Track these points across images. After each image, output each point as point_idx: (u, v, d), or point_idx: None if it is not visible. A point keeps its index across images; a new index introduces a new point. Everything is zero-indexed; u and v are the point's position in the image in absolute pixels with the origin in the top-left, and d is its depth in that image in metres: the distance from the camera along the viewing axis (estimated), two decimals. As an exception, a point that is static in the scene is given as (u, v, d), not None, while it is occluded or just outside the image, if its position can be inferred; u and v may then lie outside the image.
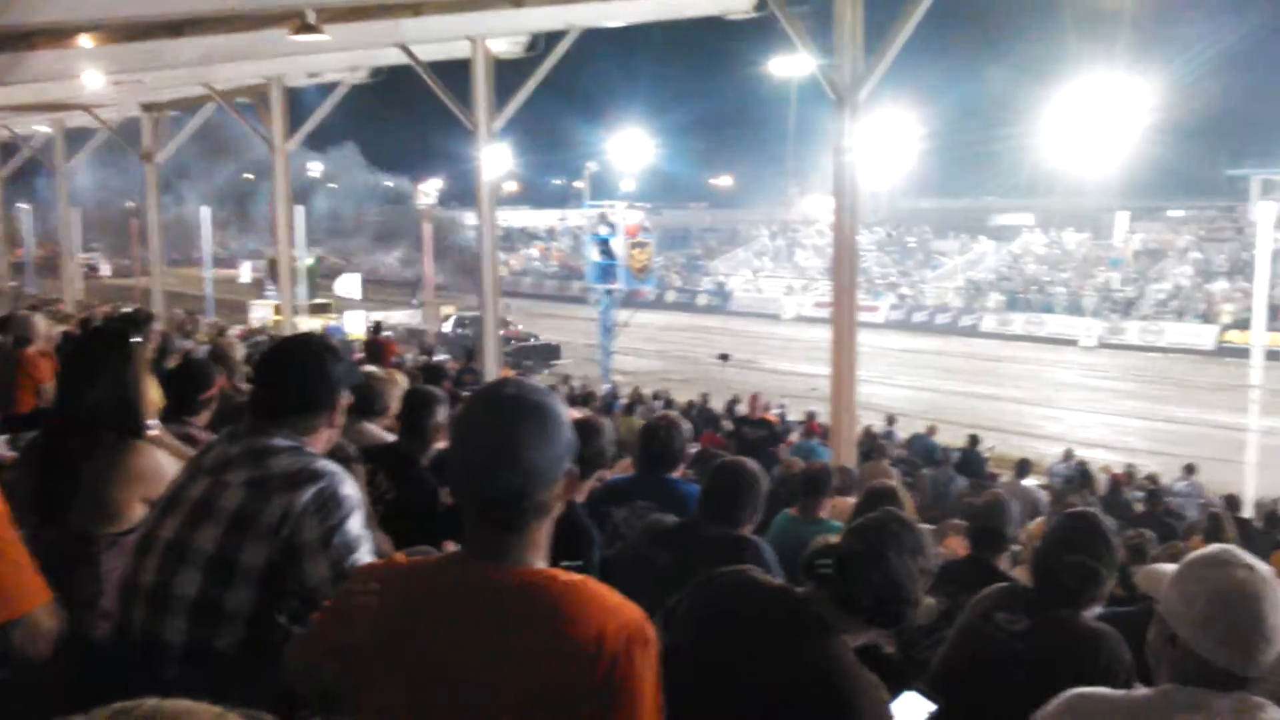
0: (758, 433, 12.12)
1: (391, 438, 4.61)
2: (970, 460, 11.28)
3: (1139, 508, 11.62)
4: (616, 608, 1.78)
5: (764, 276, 55.09)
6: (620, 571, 3.51)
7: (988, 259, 51.08)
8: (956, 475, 10.45)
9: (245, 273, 50.53)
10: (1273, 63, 47.71)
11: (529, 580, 1.79)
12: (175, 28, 12.63)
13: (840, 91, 10.07)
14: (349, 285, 40.49)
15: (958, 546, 5.76)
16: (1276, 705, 2.21)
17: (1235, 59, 43.98)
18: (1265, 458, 15.70)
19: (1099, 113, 45.14)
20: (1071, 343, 39.28)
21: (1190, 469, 14.44)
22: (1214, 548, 2.35)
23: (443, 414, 4.36)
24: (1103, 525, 3.30)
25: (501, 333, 32.50)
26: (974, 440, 13.82)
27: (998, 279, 47.86)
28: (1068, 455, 15.23)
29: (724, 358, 26.97)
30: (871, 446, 11.08)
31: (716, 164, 76.27)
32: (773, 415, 14.86)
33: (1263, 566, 2.25)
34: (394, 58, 15.52)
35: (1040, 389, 28.90)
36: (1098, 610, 3.70)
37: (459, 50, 14.51)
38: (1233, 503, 12.59)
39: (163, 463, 3.14)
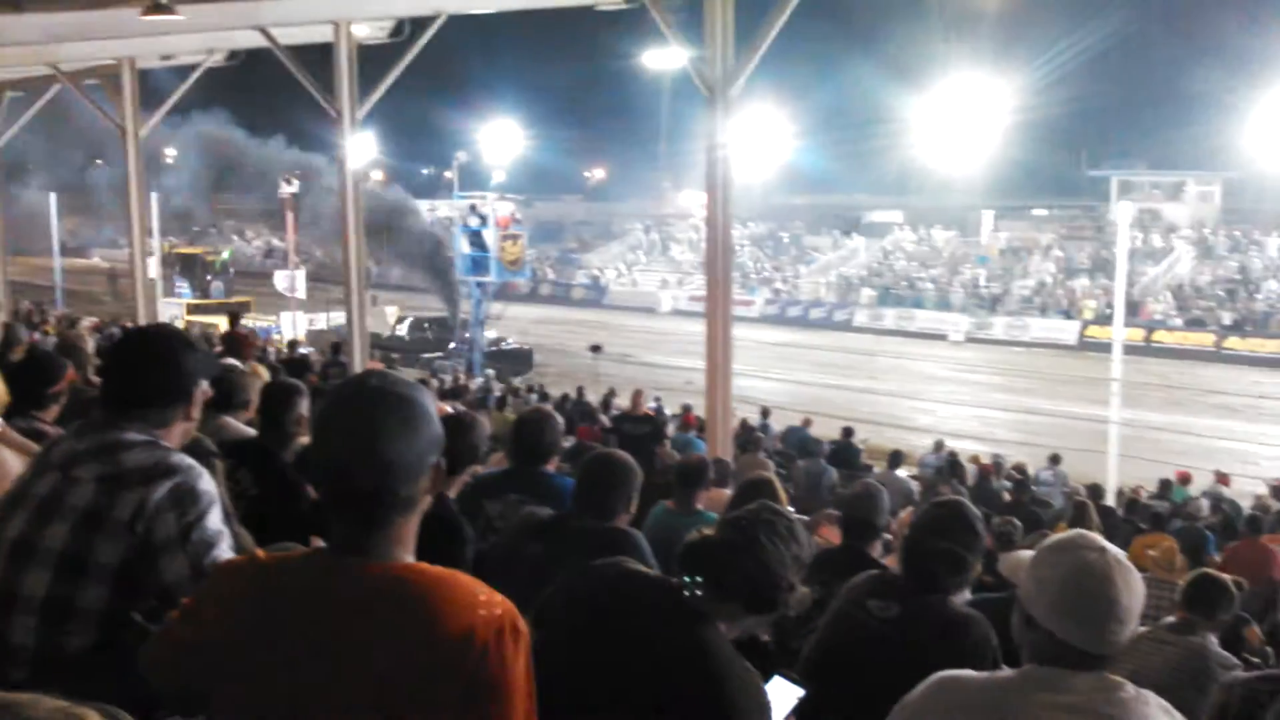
0: (640, 429, 12.16)
1: (253, 432, 4.50)
2: (843, 452, 11.54)
3: (1007, 497, 12.00)
4: (485, 600, 1.77)
5: (639, 270, 55.34)
6: (493, 565, 3.49)
7: (860, 255, 52.24)
8: (829, 467, 10.67)
9: (152, 267, 47.38)
10: (1132, 66, 49.90)
11: (394, 575, 1.77)
12: (15, 2, 12.06)
13: (712, 86, 10.14)
14: (290, 281, 35.55)
15: (831, 536, 5.87)
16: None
17: (1096, 62, 45.87)
18: (1125, 448, 16.42)
19: (966, 113, 46.64)
20: (941, 337, 40.44)
21: (1055, 459, 15.00)
22: (1067, 533, 2.47)
23: (304, 407, 4.27)
24: (968, 513, 3.39)
25: (466, 336, 30.48)
26: (848, 432, 14.13)
27: (869, 275, 48.98)
28: (938, 446, 15.66)
29: (596, 349, 27.07)
30: (747, 439, 11.24)
31: (590, 156, 76.28)
32: (648, 409, 14.94)
33: (1114, 549, 2.34)
34: (254, 40, 15.09)
35: (911, 382, 29.68)
36: (967, 596, 3.82)
37: (321, 34, 14.18)
38: (1095, 491, 13.13)
39: (7, 459, 3.02)
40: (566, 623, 2.52)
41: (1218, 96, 42.81)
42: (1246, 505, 12.89)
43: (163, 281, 32.72)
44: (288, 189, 36.47)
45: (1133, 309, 37.02)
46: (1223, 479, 15.67)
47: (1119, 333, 17.35)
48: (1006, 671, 2.42)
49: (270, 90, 30.85)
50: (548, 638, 2.05)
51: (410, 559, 1.82)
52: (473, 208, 28.29)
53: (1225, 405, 25.89)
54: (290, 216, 37.22)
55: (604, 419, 14.34)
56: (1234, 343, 37.08)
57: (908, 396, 27.38)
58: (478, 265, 27.99)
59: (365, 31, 14.49)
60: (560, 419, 4.77)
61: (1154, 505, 11.45)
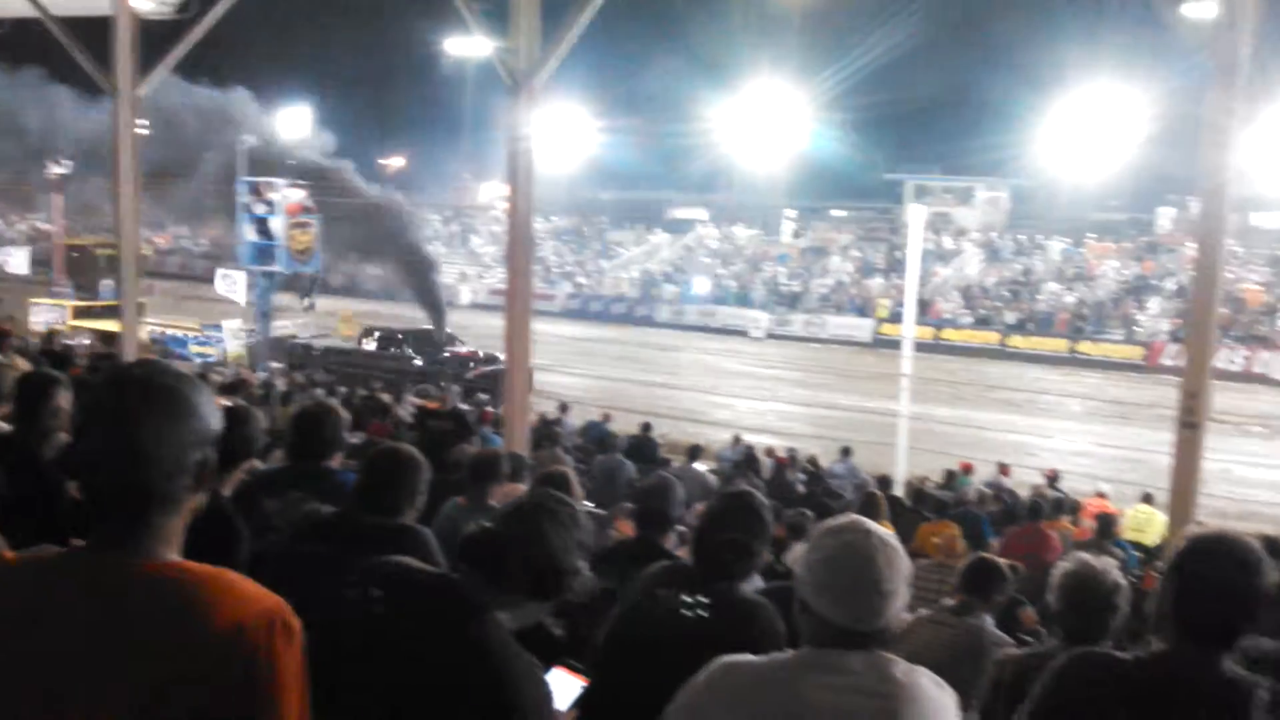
0: (444, 425, 12.00)
1: (7, 428, 4.24)
2: (642, 447, 11.70)
3: (801, 489, 12.44)
4: (255, 598, 1.74)
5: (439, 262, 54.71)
6: (271, 564, 3.39)
7: (663, 251, 53.02)
8: (627, 461, 10.80)
9: (20, 262, 41.31)
10: (927, 74, 52.09)
11: (157, 573, 1.72)
12: None
13: (516, 77, 10.10)
14: (232, 285, 29.97)
15: (628, 530, 5.96)
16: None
17: (893, 69, 47.67)
18: (914, 441, 17.17)
19: (770, 114, 47.90)
20: (741, 333, 41.43)
21: (847, 451, 15.61)
22: (838, 518, 2.55)
23: (64, 400, 4.05)
24: (755, 502, 3.49)
25: (448, 352, 27.52)
26: (646, 427, 14.34)
27: (673, 270, 49.76)
28: (736, 440, 16.07)
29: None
30: (545, 434, 11.26)
31: (388, 145, 74.65)
32: (456, 406, 14.78)
33: (879, 531, 2.46)
34: (21, 8, 14.18)
35: (711, 377, 30.32)
36: (757, 583, 3.94)
37: (99, 6, 13.44)
38: (885, 483, 13.72)
39: None
40: (339, 625, 2.49)
41: (1007, 105, 45.26)
42: (1025, 494, 13.75)
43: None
44: (57, 169, 34.15)
45: (924, 308, 38.80)
46: (1004, 469, 16.64)
47: (909, 330, 18.06)
48: (783, 655, 2.51)
49: (43, 63, 28.78)
50: (322, 640, 2.02)
51: (176, 557, 1.77)
52: (258, 193, 27.12)
53: (1008, 400, 27.46)
54: (58, 199, 34.87)
55: (402, 414, 14.09)
56: (1017, 341, 39.36)
57: (707, 391, 27.96)
58: (263, 254, 27.02)
59: (149, 5, 13.82)
60: (346, 414, 4.67)
61: (938, 495, 12.06)
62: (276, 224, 26.56)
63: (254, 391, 12.57)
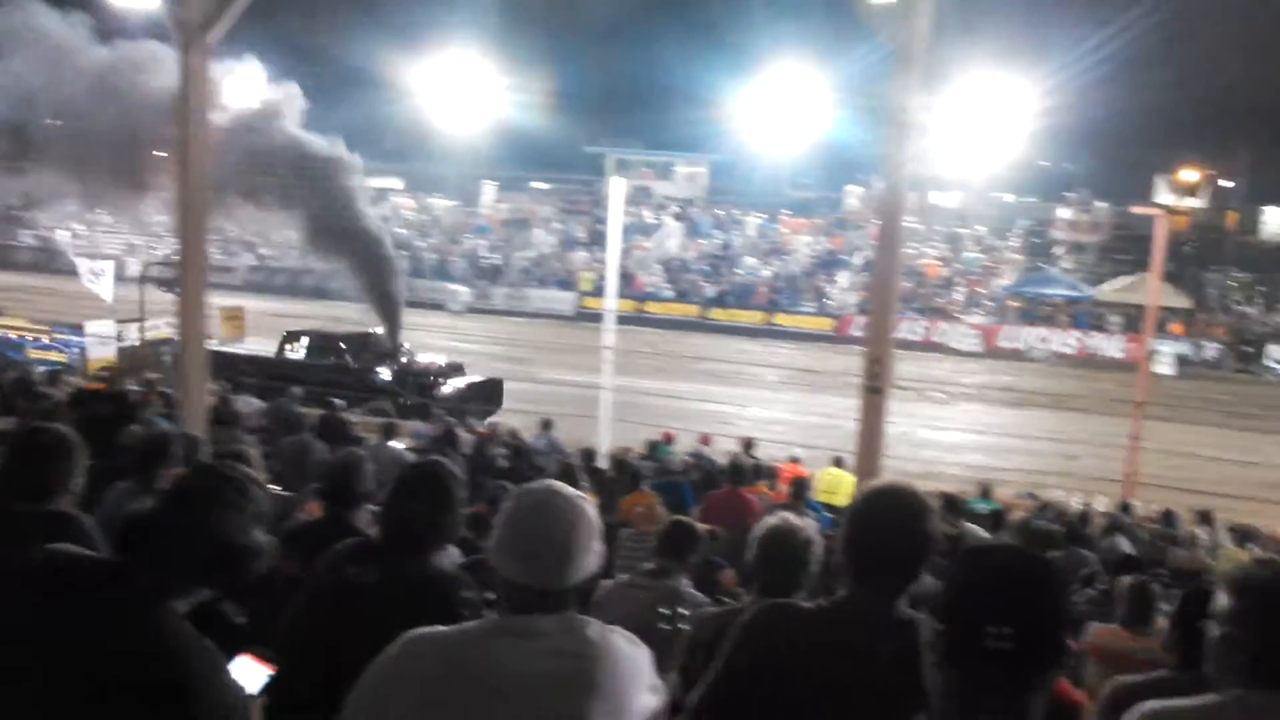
0: (106, 408, 11.18)
1: None
2: (331, 425, 11.36)
3: (503, 463, 12.48)
4: None
5: (102, 231, 51.11)
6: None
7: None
8: (316, 441, 10.47)
9: None
10: (628, 49, 53.11)
11: None
12: None
13: (186, 30, 9.53)
14: (96, 278, 25.18)
15: (317, 511, 5.78)
16: None
17: (597, 42, 48.35)
18: (618, 413, 17.56)
19: (468, 83, 47.44)
20: (440, 307, 41.05)
21: (548, 425, 15.77)
22: (528, 484, 2.61)
23: None
24: (441, 472, 3.47)
25: (402, 360, 23.23)
26: (331, 405, 13.99)
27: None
28: (432, 418, 15.92)
29: None
30: (224, 414, 10.76)
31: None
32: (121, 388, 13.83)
33: (569, 492, 2.52)
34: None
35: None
36: (454, 555, 3.91)
37: None
38: (589, 454, 13.98)
39: None
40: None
41: (706, 83, 46.77)
42: (724, 461, 14.32)
43: None
44: None
45: (626, 281, 39.76)
46: (705, 439, 17.26)
47: (612, 303, 18.39)
48: (472, 623, 2.52)
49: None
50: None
51: None
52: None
53: (709, 371, 28.52)
54: None
55: (58, 395, 13.05)
56: (717, 313, 40.99)
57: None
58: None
59: None
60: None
61: (641, 465, 12.38)
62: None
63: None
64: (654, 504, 7.96)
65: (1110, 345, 37.49)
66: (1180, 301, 38.30)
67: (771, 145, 49.26)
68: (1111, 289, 38.97)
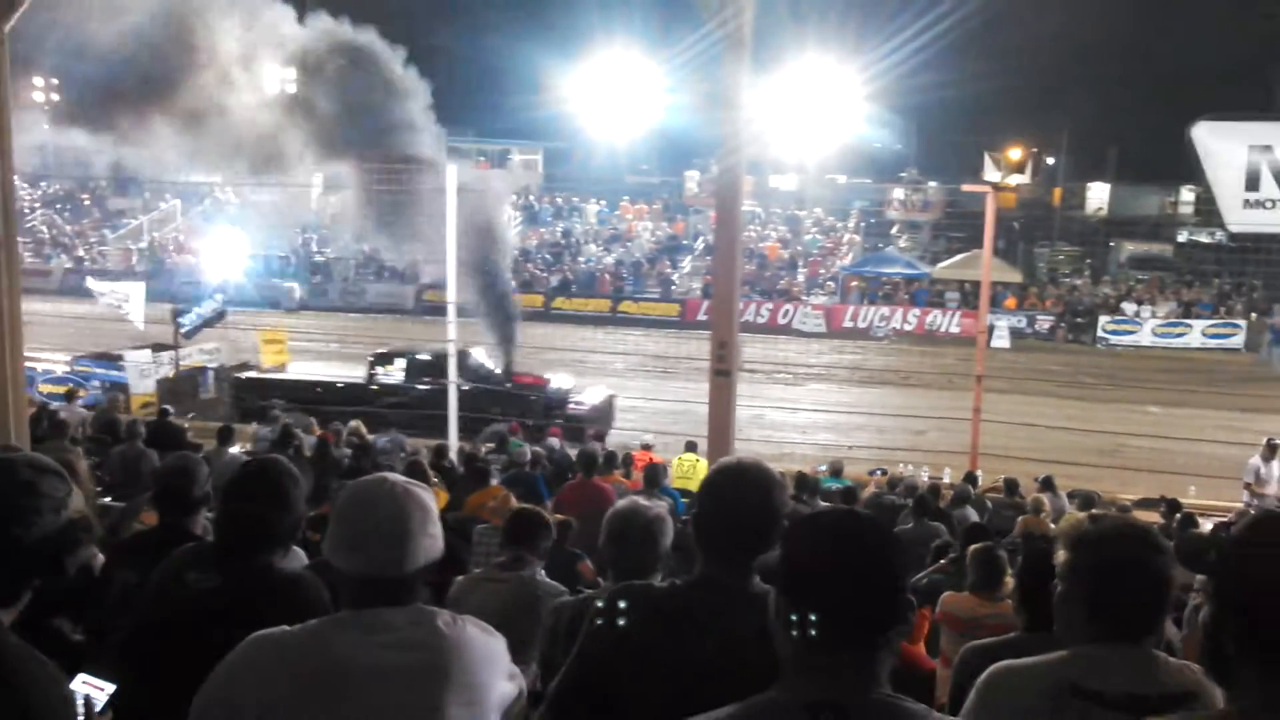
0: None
1: None
2: (165, 432, 11.00)
3: (348, 462, 12.31)
4: None
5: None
6: None
7: (176, 218, 50.04)
8: (149, 450, 10.12)
9: None
10: (460, 35, 52.57)
11: None
12: None
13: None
14: (120, 301, 23.01)
15: (152, 519, 5.58)
16: None
17: (423, 29, 47.59)
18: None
19: (283, 72, 46.11)
20: (275, 305, 40.12)
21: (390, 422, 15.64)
22: (361, 478, 2.63)
23: None
24: (273, 471, 3.40)
25: (510, 384, 21.36)
26: (164, 412, 13.57)
27: (188, 239, 47.14)
28: (273, 420, 15.55)
29: None
30: (50, 425, 10.31)
31: None
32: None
33: (401, 480, 2.54)
34: None
35: (244, 355, 29.02)
36: (300, 556, 3.82)
37: None
38: (440, 451, 13.93)
39: None
40: None
41: (539, 69, 46.55)
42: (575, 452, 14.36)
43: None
44: None
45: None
46: (555, 430, 17.25)
47: (453, 295, 18.20)
48: (316, 620, 2.51)
49: None
50: None
51: None
52: None
53: (557, 361, 28.33)
54: None
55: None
56: (561, 303, 40.93)
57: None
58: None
59: None
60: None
61: (490, 460, 12.34)
62: None
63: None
64: (508, 497, 7.91)
65: (948, 321, 38.76)
66: (1012, 276, 39.83)
67: (607, 131, 49.40)
68: (947, 266, 40.27)
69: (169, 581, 3.29)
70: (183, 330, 22.27)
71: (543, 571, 4.98)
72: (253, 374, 22.81)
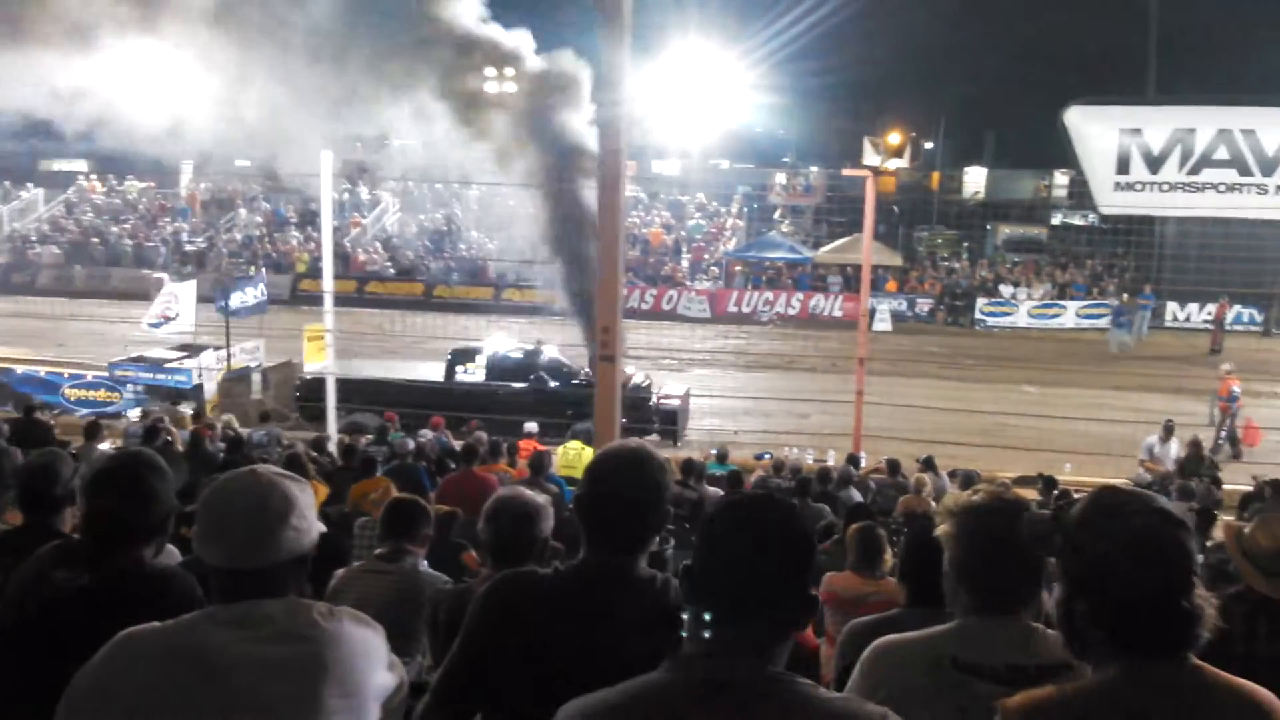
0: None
1: None
2: (30, 430, 10.65)
3: (223, 456, 12.11)
4: None
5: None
6: None
7: (39, 208, 48.35)
8: (11, 448, 9.76)
9: None
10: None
11: None
12: None
13: None
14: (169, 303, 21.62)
15: (17, 519, 5.43)
16: None
17: (285, 6, 46.46)
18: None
19: (153, 56, 44.82)
20: (144, 297, 39.08)
21: (265, 417, 15.38)
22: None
23: None
24: (136, 466, 3.34)
25: (659, 399, 20.55)
26: (29, 410, 13.20)
27: (52, 230, 45.59)
28: (145, 414, 15.20)
29: None
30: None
31: None
32: None
33: (266, 469, 2.56)
34: None
35: (111, 348, 28.21)
36: (174, 553, 3.76)
37: None
38: (318, 444, 13.76)
39: None
40: None
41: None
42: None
43: None
44: None
45: (344, 261, 38.84)
46: (436, 420, 17.13)
47: (329, 284, 18.02)
48: (190, 615, 2.50)
49: None
50: None
51: None
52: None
53: (439, 350, 28.11)
54: None
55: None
56: (443, 291, 40.51)
57: (101, 365, 26.02)
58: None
59: None
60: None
61: (371, 451, 12.22)
62: None
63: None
64: (390, 488, 7.84)
65: (831, 305, 39.36)
66: (893, 260, 40.62)
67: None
68: (829, 250, 40.87)
69: (35, 581, 3.22)
70: (232, 311, 21.17)
71: (425, 563, 4.95)
72: (316, 372, 21.12)
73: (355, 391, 19.16)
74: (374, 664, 2.52)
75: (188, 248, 43.94)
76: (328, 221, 17.59)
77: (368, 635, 2.55)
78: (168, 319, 20.19)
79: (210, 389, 20.25)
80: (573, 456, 14.91)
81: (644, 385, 21.35)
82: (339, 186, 44.58)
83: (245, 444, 12.75)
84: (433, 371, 21.16)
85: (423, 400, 19.20)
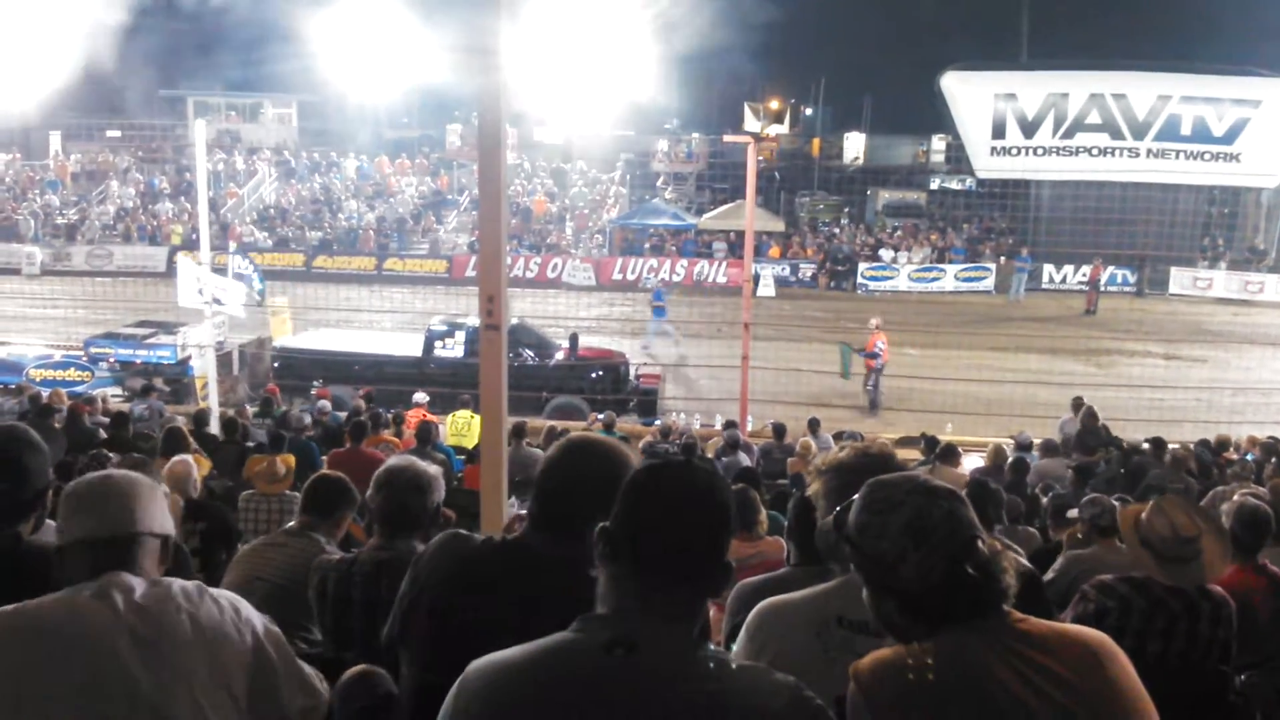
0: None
1: None
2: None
3: (105, 434, 11.85)
4: None
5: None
6: None
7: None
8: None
9: None
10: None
11: None
12: None
13: None
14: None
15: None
16: None
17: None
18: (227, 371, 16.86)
19: (20, 21, 43.06)
20: (14, 271, 37.87)
21: (147, 390, 15.01)
22: None
23: None
24: (6, 440, 3.33)
25: (638, 376, 20.36)
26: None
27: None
28: (19, 390, 14.76)
29: None
30: None
31: None
32: None
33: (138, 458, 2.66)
34: None
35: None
36: (53, 531, 3.70)
37: None
38: (200, 418, 13.47)
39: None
40: None
41: (286, 20, 44.78)
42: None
43: None
44: None
45: (222, 232, 37.93)
46: (322, 392, 16.92)
47: (206, 256, 17.58)
48: (63, 591, 2.53)
49: None
50: None
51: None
52: None
53: (321, 321, 27.72)
54: None
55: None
56: (323, 261, 39.82)
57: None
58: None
59: None
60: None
61: (256, 425, 12.03)
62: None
63: None
64: (275, 461, 7.73)
65: (716, 271, 39.63)
66: (775, 226, 41.00)
67: (364, 84, 48.04)
68: (712, 217, 41.10)
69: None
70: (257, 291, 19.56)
71: (330, 541, 4.88)
72: (292, 348, 21.02)
73: (331, 368, 19.16)
74: (242, 633, 2.57)
75: (59, 220, 42.47)
76: (203, 192, 17.15)
77: (229, 607, 2.60)
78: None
79: (199, 365, 19.14)
80: (462, 425, 14.84)
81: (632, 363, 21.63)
82: (214, 157, 43.49)
83: (126, 418, 12.44)
84: (409, 346, 20.88)
85: (399, 376, 19.10)
